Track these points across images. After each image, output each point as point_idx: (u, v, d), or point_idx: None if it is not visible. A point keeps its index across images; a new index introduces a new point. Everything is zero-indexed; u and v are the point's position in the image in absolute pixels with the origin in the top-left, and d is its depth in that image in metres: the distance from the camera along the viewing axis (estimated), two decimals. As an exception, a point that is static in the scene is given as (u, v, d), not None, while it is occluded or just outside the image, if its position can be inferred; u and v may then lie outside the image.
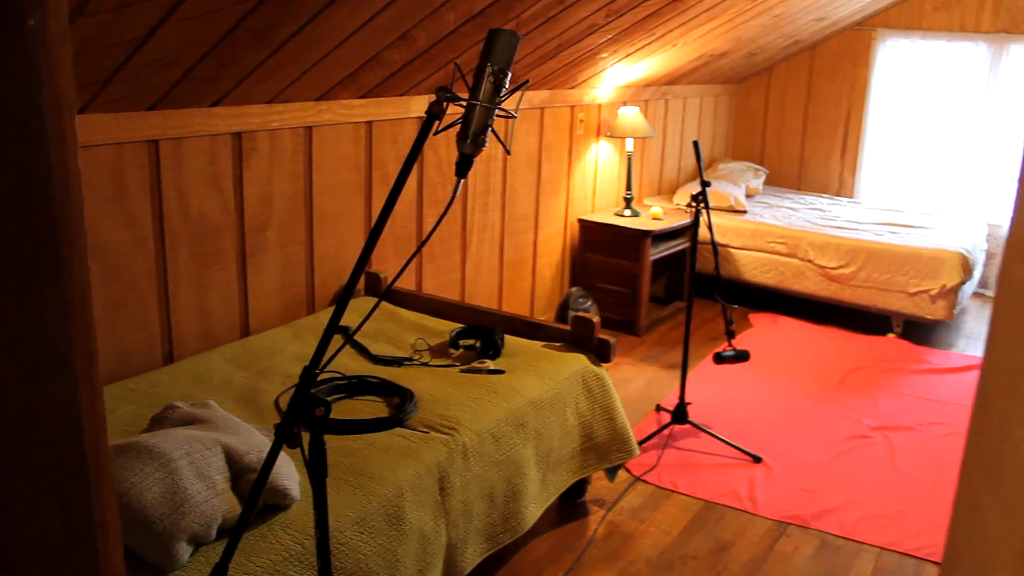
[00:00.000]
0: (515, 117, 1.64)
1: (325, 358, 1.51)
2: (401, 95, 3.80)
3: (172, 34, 2.39)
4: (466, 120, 1.61)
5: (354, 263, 3.80)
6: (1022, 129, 6.42)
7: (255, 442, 2.17)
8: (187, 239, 3.07)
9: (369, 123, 3.74)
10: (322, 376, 2.90)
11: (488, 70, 1.57)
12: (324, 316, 3.52)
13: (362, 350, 3.22)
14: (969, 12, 6.50)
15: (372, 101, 3.67)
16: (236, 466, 2.07)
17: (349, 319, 3.47)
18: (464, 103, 1.59)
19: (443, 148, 4.08)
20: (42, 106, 0.83)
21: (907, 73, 6.83)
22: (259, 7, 2.46)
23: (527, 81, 1.68)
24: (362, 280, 3.89)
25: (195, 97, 2.91)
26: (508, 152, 1.74)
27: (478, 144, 1.62)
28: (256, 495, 1.46)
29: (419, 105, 3.91)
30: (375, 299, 3.77)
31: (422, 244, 1.64)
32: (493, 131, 1.63)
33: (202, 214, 3.11)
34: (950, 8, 6.56)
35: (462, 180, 1.64)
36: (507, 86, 1.61)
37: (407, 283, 4.18)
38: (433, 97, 1.61)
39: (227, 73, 2.82)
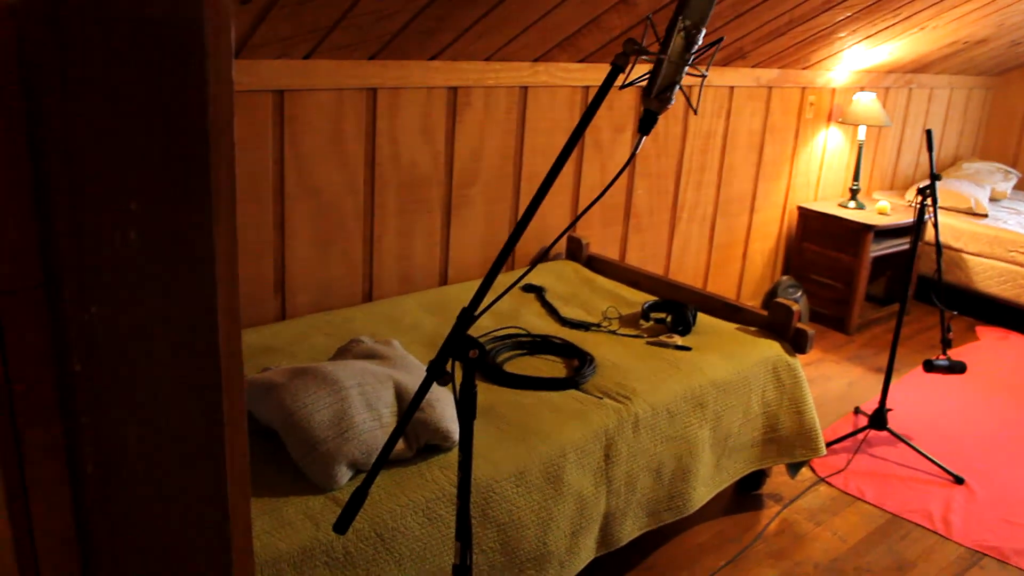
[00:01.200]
0: (705, 76, 1.58)
1: (484, 305, 1.51)
2: (620, 61, 3.75)
3: (393, -17, 2.47)
4: (653, 75, 1.56)
5: (557, 227, 3.83)
6: None
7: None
8: (396, 187, 3.18)
9: (586, 88, 3.72)
10: (508, 331, 2.95)
11: (680, 24, 1.51)
12: (519, 274, 3.56)
13: (552, 311, 3.23)
14: None
15: (590, 66, 3.65)
16: (404, 402, 2.13)
17: (545, 280, 3.51)
18: (652, 58, 1.54)
19: (659, 119, 4.01)
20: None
21: None
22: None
23: (720, 40, 1.61)
24: (564, 244, 3.90)
25: (415, 50, 2.99)
26: (695, 112, 1.68)
27: (663, 101, 1.56)
28: (404, 422, 1.50)
29: (637, 73, 3.85)
30: (575, 263, 3.77)
31: (598, 198, 1.61)
32: (681, 89, 1.57)
33: (412, 163, 3.21)
34: None
35: (644, 137, 1.60)
36: (699, 43, 1.54)
37: (610, 251, 4.16)
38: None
39: (445, 27, 2.88)
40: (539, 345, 2.91)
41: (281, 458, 2.03)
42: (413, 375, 2.25)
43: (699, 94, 1.68)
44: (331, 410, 2.00)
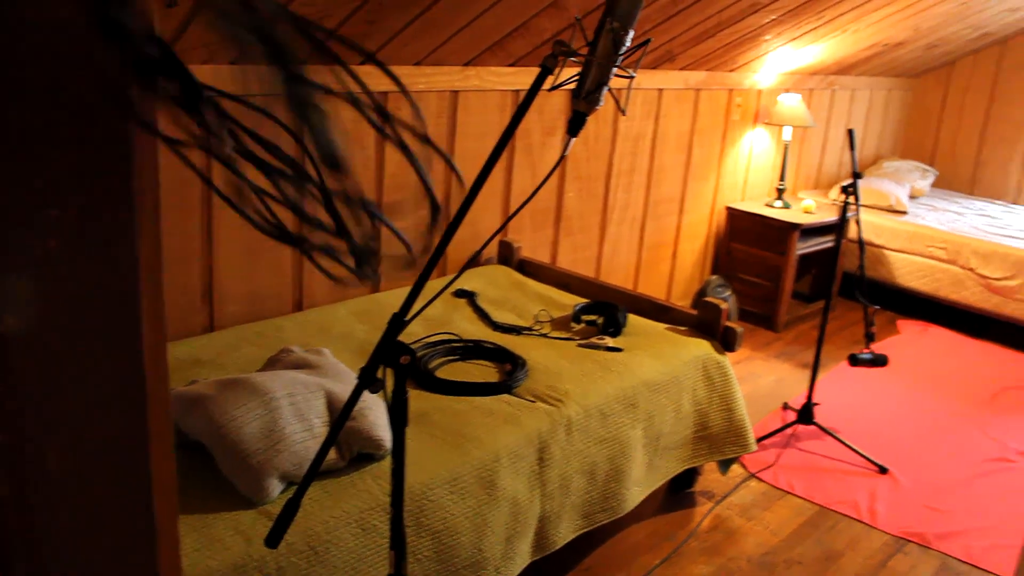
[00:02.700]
0: (633, 77, 1.59)
1: (415, 310, 1.50)
2: (549, 64, 3.76)
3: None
4: (582, 76, 1.56)
5: (488, 231, 3.83)
6: None
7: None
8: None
9: (517, 91, 3.72)
10: (439, 337, 2.93)
11: (608, 26, 1.52)
12: (450, 280, 3.55)
13: (484, 316, 3.22)
14: None
15: (521, 69, 3.65)
16: (336, 412, 2.10)
17: (477, 285, 3.50)
18: (581, 58, 1.55)
19: (589, 121, 4.03)
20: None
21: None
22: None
23: (648, 40, 1.62)
24: (495, 249, 3.90)
25: (344, 54, 2.95)
26: (623, 112, 1.69)
27: (592, 102, 1.57)
28: (336, 431, 1.48)
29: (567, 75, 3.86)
30: (506, 267, 3.77)
31: (526, 201, 1.61)
32: (609, 90, 1.57)
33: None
34: None
35: (573, 138, 1.60)
36: (627, 45, 1.55)
37: (541, 255, 4.17)
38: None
39: (375, 31, 2.86)
40: (471, 350, 2.90)
41: (210, 473, 1.98)
42: (344, 384, 2.22)
43: (627, 95, 1.69)
44: (261, 422, 1.96)
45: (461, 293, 3.41)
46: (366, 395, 2.21)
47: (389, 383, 1.47)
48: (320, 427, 2.05)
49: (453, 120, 3.50)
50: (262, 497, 1.90)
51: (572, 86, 1.58)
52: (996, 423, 4.17)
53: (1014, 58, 6.63)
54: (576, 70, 1.57)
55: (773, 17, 4.09)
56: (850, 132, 3.62)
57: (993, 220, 5.90)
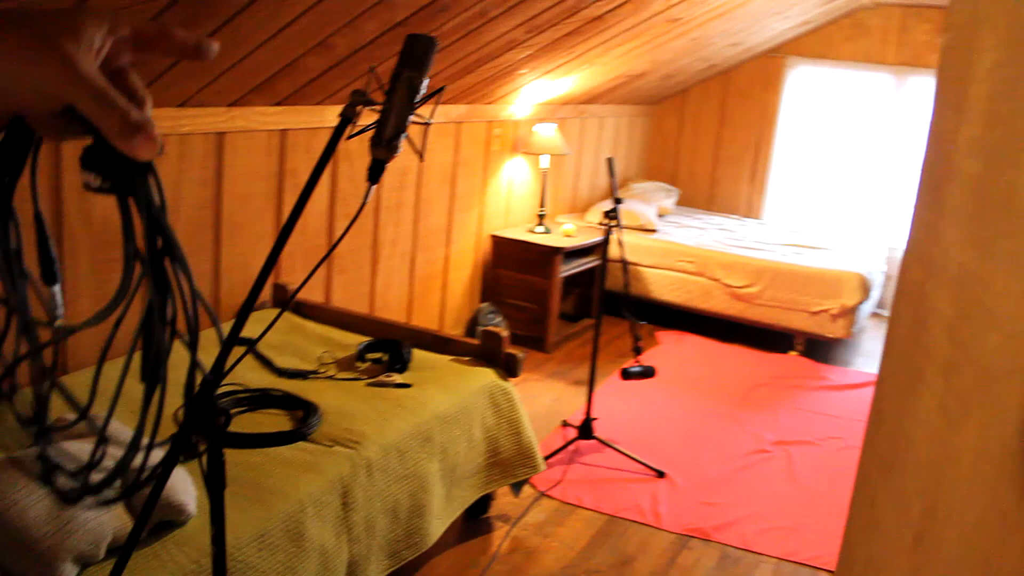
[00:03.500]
0: (430, 124, 1.62)
1: (226, 368, 1.45)
2: (317, 104, 3.74)
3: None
4: (380, 125, 1.57)
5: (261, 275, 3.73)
6: (918, 156, 6.67)
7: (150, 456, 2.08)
8: (88, 245, 2.95)
9: (283, 131, 3.67)
10: (224, 389, 2.82)
11: (404, 75, 1.54)
12: (228, 328, 3.42)
13: (266, 363, 3.14)
14: (875, 45, 6.75)
15: (288, 109, 3.60)
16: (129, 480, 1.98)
17: (254, 330, 3.39)
18: (379, 107, 1.56)
19: (357, 158, 4.02)
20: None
21: (815, 100, 7.06)
22: (173, 6, 2.38)
23: (442, 88, 1.66)
24: (269, 292, 3.80)
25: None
26: (421, 159, 1.71)
27: (391, 149, 1.58)
28: (148, 510, 1.40)
29: (335, 115, 3.84)
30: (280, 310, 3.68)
31: (330, 251, 1.60)
32: (407, 137, 1.60)
33: (105, 219, 2.99)
34: (857, 40, 6.80)
35: (374, 186, 1.61)
36: (423, 92, 1.59)
37: (315, 295, 4.11)
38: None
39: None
40: (259, 400, 2.81)
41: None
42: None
43: (424, 140, 1.72)
44: (46, 502, 1.81)
45: (239, 341, 3.30)
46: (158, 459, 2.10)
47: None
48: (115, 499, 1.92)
49: (220, 162, 3.40)
50: (56, 583, 1.76)
51: (371, 133, 1.60)
52: (751, 418, 4.54)
53: (737, 86, 7.30)
54: (374, 116, 1.58)
55: (529, 52, 4.27)
56: (609, 160, 3.84)
57: (731, 233, 6.44)
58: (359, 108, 1.54)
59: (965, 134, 0.59)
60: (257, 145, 3.56)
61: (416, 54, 1.55)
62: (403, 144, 1.63)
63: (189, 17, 2.50)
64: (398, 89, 1.55)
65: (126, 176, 0.64)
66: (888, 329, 0.81)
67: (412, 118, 1.60)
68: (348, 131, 1.55)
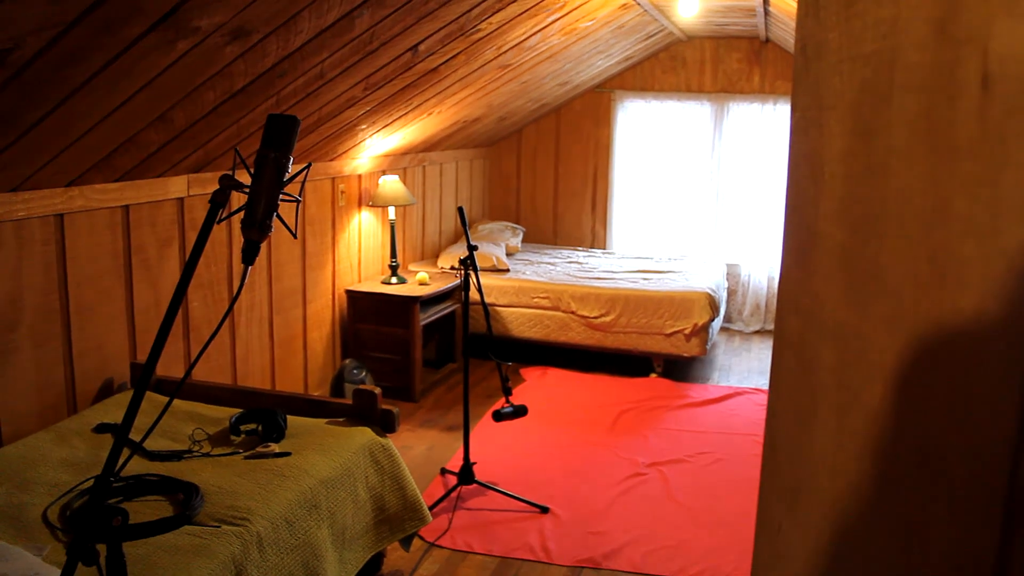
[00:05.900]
0: (300, 201, 1.65)
1: (118, 461, 1.43)
2: (159, 176, 3.67)
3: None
4: (251, 207, 1.59)
5: (117, 356, 3.62)
6: (745, 177, 7.10)
7: (26, 566, 2.00)
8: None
9: (126, 207, 3.58)
10: (92, 482, 2.72)
11: (270, 156, 1.57)
12: (89, 415, 3.29)
13: (137, 447, 3.04)
14: (693, 75, 7.17)
15: (128, 184, 3.52)
16: (11, 591, 1.90)
17: (116, 416, 3.28)
18: (248, 190, 1.58)
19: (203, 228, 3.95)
20: None
21: (644, 130, 7.40)
22: (5, 88, 2.32)
23: (309, 164, 1.70)
24: (128, 373, 3.68)
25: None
26: (295, 236, 1.74)
27: (264, 229, 1.61)
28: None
29: (177, 186, 3.79)
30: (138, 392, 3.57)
31: (215, 332, 1.60)
32: (278, 215, 1.62)
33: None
34: (676, 72, 7.21)
35: (249, 267, 1.62)
36: (289, 170, 1.62)
37: (175, 371, 4.00)
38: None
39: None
40: (134, 488, 2.72)
41: None
42: (9, 560, 2.01)
43: (296, 217, 1.74)
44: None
45: (102, 428, 3.19)
46: (37, 568, 2.02)
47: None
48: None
49: (62, 245, 3.28)
50: None
51: (240, 215, 1.61)
52: (623, 444, 4.68)
53: (568, 122, 7.59)
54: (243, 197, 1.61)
55: (368, 108, 4.32)
56: (460, 209, 3.92)
57: (581, 265, 6.64)
58: (229, 192, 1.56)
59: (825, 206, 0.67)
60: (99, 224, 3.46)
61: (280, 134, 1.58)
62: (274, 223, 1.66)
63: (18, 101, 2.43)
64: (266, 171, 1.58)
65: None
66: (772, 371, 0.89)
67: (281, 196, 1.63)
68: (220, 215, 1.57)
